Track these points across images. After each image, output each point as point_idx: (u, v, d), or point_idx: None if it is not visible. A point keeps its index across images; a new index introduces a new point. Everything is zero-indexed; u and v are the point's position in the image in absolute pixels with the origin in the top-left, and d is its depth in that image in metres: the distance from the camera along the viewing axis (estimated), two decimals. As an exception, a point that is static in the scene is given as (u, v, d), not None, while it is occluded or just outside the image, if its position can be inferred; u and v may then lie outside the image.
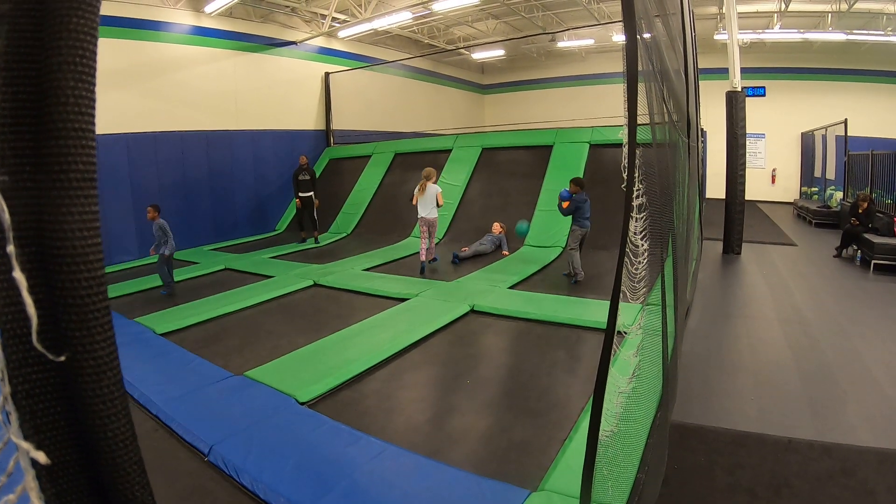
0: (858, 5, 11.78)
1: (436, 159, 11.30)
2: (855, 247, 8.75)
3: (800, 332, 5.39)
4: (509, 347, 5.03)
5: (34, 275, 0.44)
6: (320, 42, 13.45)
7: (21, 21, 0.44)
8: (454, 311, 5.67)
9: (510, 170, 10.63)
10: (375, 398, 3.94)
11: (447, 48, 17.24)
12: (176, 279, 7.09)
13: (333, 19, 12.84)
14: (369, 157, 12.61)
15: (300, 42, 12.91)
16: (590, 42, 16.89)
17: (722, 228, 9.70)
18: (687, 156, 5.44)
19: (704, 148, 13.29)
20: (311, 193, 10.40)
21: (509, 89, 21.85)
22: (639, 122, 1.87)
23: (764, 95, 12.82)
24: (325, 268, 7.92)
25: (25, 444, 0.44)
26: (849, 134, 12.99)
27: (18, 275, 0.42)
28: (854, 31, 12.80)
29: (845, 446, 3.26)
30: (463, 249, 8.57)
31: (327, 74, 13.68)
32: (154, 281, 7.34)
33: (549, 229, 8.94)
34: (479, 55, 18.30)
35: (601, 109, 9.36)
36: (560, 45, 17.25)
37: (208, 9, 10.40)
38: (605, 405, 1.91)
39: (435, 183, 7.93)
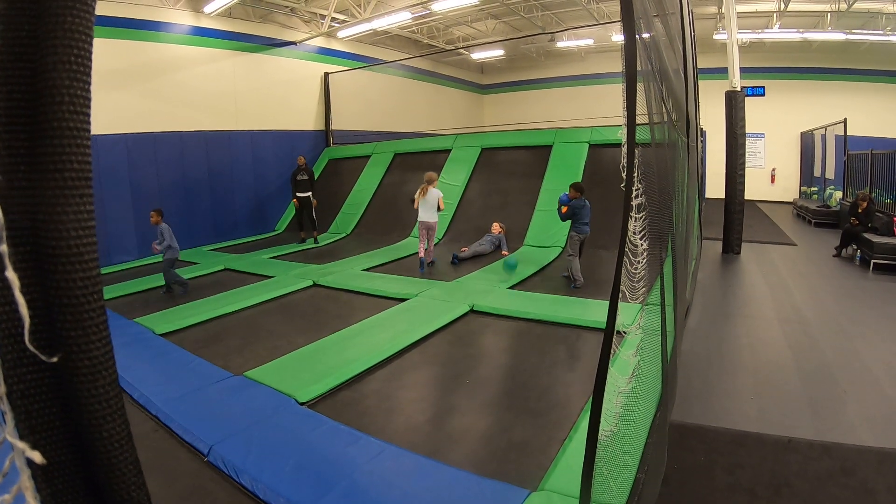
0: (858, 5, 11.78)
1: (435, 159, 11.31)
2: (854, 246, 8.75)
3: (799, 332, 5.39)
4: (509, 347, 5.03)
5: (28, 274, 0.44)
6: (320, 42, 13.44)
7: (16, 20, 0.44)
8: (454, 311, 5.66)
9: (509, 170, 10.62)
10: (375, 398, 3.94)
11: (446, 48, 17.24)
12: (165, 286, 7.02)
13: (333, 19, 12.83)
14: (369, 157, 12.61)
15: (299, 42, 12.91)
16: (589, 42, 16.90)
17: (721, 228, 9.70)
18: (686, 155, 5.44)
19: (704, 148, 13.30)
20: (310, 194, 10.39)
21: (509, 89, 21.85)
22: (638, 121, 1.87)
23: (763, 95, 12.80)
24: (325, 268, 7.92)
25: (21, 444, 0.44)
26: (848, 133, 12.99)
27: (11, 274, 0.42)
28: (853, 31, 12.80)
29: (845, 446, 3.26)
30: (462, 250, 8.57)
31: (327, 74, 13.68)
32: (153, 281, 7.34)
33: (549, 229, 8.94)
34: (478, 55, 18.30)
35: (600, 109, 9.37)
36: (559, 44, 17.26)
37: (207, 9, 10.40)
38: (604, 405, 1.91)
39: (436, 187, 7.93)
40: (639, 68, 1.86)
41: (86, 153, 0.46)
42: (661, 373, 3.06)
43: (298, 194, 10.40)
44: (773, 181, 17.60)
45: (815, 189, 15.56)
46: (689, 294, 6.00)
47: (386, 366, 4.48)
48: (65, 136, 0.44)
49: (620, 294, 1.89)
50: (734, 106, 9.29)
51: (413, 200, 7.89)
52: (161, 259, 6.95)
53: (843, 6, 11.95)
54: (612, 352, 1.85)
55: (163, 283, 6.90)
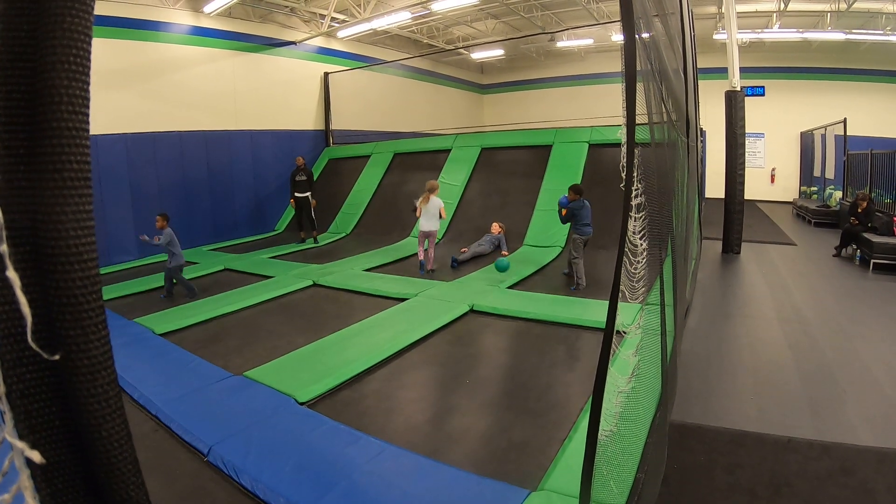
0: (857, 5, 11.78)
1: (435, 159, 11.32)
2: (854, 246, 8.75)
3: (799, 332, 5.39)
4: (509, 347, 5.03)
5: (28, 274, 0.44)
6: (319, 42, 13.44)
7: (15, 20, 0.44)
8: (453, 310, 5.67)
9: (509, 170, 10.62)
10: (375, 398, 3.94)
11: (446, 48, 17.24)
12: (165, 290, 7.01)
13: (332, 19, 12.83)
14: (368, 157, 12.61)
15: (299, 42, 12.90)
16: (589, 42, 16.90)
17: (721, 228, 9.69)
18: (686, 155, 5.44)
19: (704, 147, 13.30)
20: (308, 194, 10.39)
21: (508, 89, 21.85)
22: (637, 121, 1.87)
23: (763, 95, 12.81)
24: (325, 268, 7.92)
25: (20, 444, 0.44)
26: (848, 133, 12.99)
27: (12, 274, 0.42)
28: (853, 31, 12.80)
29: (845, 446, 3.26)
30: (462, 251, 8.58)
31: (326, 74, 13.68)
32: (153, 282, 7.34)
33: (549, 230, 8.93)
34: (478, 55, 18.29)
35: (600, 109, 9.38)
36: (559, 44, 17.26)
37: (207, 9, 10.39)
38: (604, 405, 1.91)
39: (437, 196, 7.92)
40: (638, 68, 1.86)
41: (85, 153, 0.46)
42: (661, 372, 3.06)
43: (297, 194, 10.40)
44: (772, 181, 17.61)
45: (815, 189, 15.56)
46: (688, 294, 6.00)
47: (386, 366, 4.48)
48: (64, 136, 0.44)
49: (620, 294, 1.89)
50: (734, 106, 9.29)
51: (416, 209, 7.88)
52: (160, 259, 6.95)
53: (843, 6, 11.95)
54: (611, 352, 1.85)
55: (163, 284, 6.88)
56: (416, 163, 11.70)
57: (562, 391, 3.97)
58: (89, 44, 0.47)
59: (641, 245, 2.31)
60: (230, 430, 3.36)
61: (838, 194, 13.10)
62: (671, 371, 3.40)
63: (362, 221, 11.36)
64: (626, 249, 1.99)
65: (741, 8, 11.67)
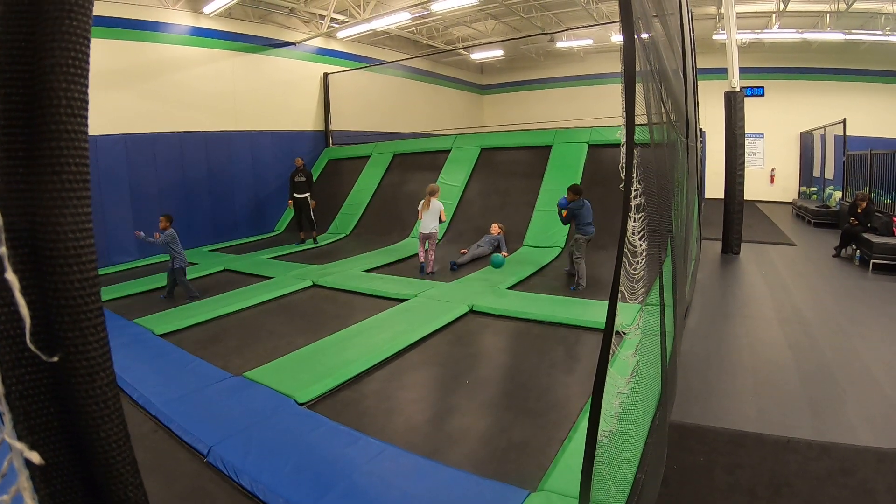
0: (857, 5, 11.79)
1: (434, 160, 11.32)
2: (854, 246, 8.75)
3: (799, 332, 5.39)
4: (508, 348, 5.03)
5: (27, 276, 0.44)
6: (319, 43, 13.45)
7: (14, 23, 0.44)
8: (453, 311, 5.67)
9: (509, 170, 10.62)
10: (374, 399, 3.94)
11: (446, 49, 17.25)
12: (166, 290, 7.01)
13: (332, 20, 12.84)
14: (368, 157, 12.61)
15: (299, 43, 12.91)
16: (588, 42, 16.91)
17: (721, 228, 9.70)
18: (685, 156, 5.45)
19: (703, 148, 13.30)
20: (307, 195, 10.40)
21: (508, 90, 21.86)
22: (637, 122, 1.87)
23: (763, 95, 12.85)
24: (325, 268, 7.92)
25: (19, 445, 0.44)
26: (847, 133, 12.99)
27: (11, 276, 0.42)
28: (852, 31, 12.80)
29: (844, 446, 3.26)
30: (462, 252, 8.58)
31: (326, 75, 13.68)
32: (153, 282, 7.34)
33: (548, 230, 8.94)
34: (477, 55, 18.30)
35: (600, 109, 9.38)
36: (559, 45, 17.26)
37: (207, 9, 10.40)
38: (603, 405, 1.91)
39: (438, 198, 8.01)
40: (638, 69, 1.86)
41: (83, 155, 0.46)
42: (661, 373, 3.06)
43: (296, 195, 10.42)
44: (772, 181, 17.62)
45: (815, 189, 15.57)
46: (688, 294, 6.00)
47: (385, 366, 4.48)
48: (62, 138, 0.44)
49: (619, 294, 1.89)
50: (733, 106, 9.30)
51: (419, 213, 8.01)
52: (159, 260, 6.93)
53: (843, 6, 11.96)
54: (611, 352, 1.85)
55: (164, 284, 6.87)
56: (416, 163, 11.70)
57: (561, 391, 3.97)
58: (88, 47, 0.47)
59: (641, 245, 2.31)
60: (230, 430, 3.36)
61: (838, 194, 13.10)
62: (671, 371, 3.40)
63: (362, 222, 11.36)
64: (626, 250, 1.99)
65: (741, 8, 11.68)
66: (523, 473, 2.92)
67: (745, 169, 9.67)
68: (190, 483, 2.93)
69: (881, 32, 12.77)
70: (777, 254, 9.49)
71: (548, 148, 10.30)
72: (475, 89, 22.05)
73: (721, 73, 10.26)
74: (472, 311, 5.82)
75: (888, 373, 4.35)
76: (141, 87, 9.50)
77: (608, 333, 1.83)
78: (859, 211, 8.76)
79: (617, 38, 14.95)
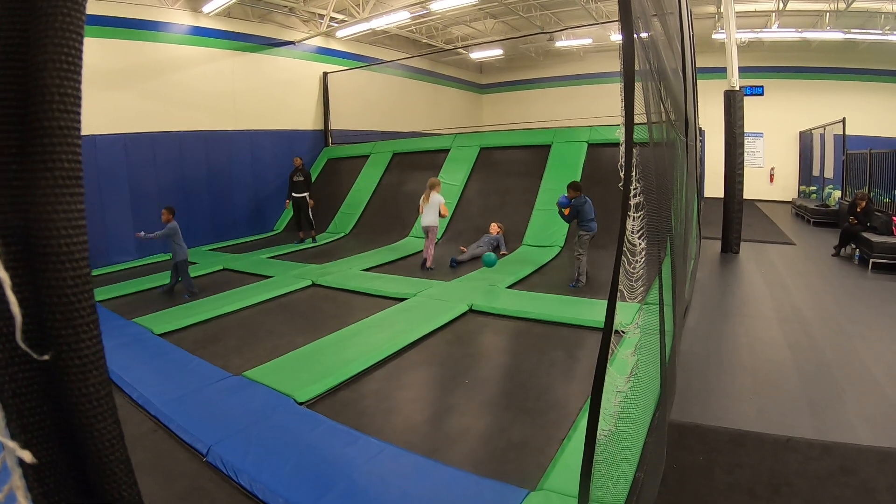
0: (856, 4, 11.78)
1: (434, 159, 11.32)
2: (853, 245, 8.75)
3: (798, 331, 5.39)
4: (508, 347, 5.03)
5: (19, 273, 0.44)
6: (318, 42, 13.44)
7: (7, 19, 0.44)
8: (453, 310, 5.66)
9: (508, 169, 10.62)
10: (374, 398, 3.94)
11: (445, 48, 17.23)
12: (168, 284, 7.03)
13: (331, 19, 12.83)
14: (367, 156, 12.60)
15: (298, 42, 12.90)
16: (588, 41, 16.90)
17: (720, 227, 9.70)
18: (685, 155, 5.44)
19: (703, 147, 13.30)
20: (306, 194, 10.40)
21: (507, 89, 21.85)
22: (636, 121, 1.87)
23: (762, 94, 12.82)
24: (324, 268, 7.92)
25: (11, 444, 0.43)
26: (847, 133, 13.00)
27: (3, 273, 0.41)
28: (852, 30, 12.80)
29: (844, 445, 3.26)
30: (461, 249, 8.59)
31: (325, 74, 13.67)
32: (152, 282, 7.34)
33: (548, 229, 8.94)
34: (477, 55, 18.28)
35: (599, 109, 9.38)
36: (558, 44, 17.25)
37: (206, 9, 10.38)
38: (603, 404, 1.90)
39: (439, 192, 8.14)
40: (637, 68, 1.86)
41: (76, 152, 0.46)
42: (660, 372, 3.06)
43: (294, 195, 10.44)
44: (771, 180, 17.62)
45: (814, 188, 15.57)
46: (687, 293, 6.00)
47: (385, 366, 4.48)
48: (55, 134, 0.44)
49: (619, 293, 1.89)
50: (733, 105, 9.30)
51: (419, 207, 8.17)
52: (159, 259, 6.92)
53: (842, 5, 11.96)
54: (610, 351, 1.85)
55: (167, 281, 6.87)
56: (415, 162, 11.69)
57: (560, 391, 3.97)
58: (81, 43, 0.46)
59: (640, 244, 2.31)
60: (229, 430, 3.36)
61: (837, 194, 13.10)
62: (670, 370, 3.40)
63: (361, 221, 11.36)
64: (625, 249, 1.99)
65: (740, 7, 11.67)
66: (523, 473, 2.92)
67: (745, 168, 9.68)
68: (189, 482, 2.92)
69: (880, 31, 12.76)
70: (776, 253, 9.49)
71: (547, 147, 10.30)
72: (474, 88, 22.04)
73: (720, 72, 10.26)
74: (471, 311, 5.82)
75: (888, 372, 4.35)
76: (140, 87, 9.48)
77: (607, 332, 1.83)
78: (859, 210, 8.75)
79: (616, 37, 14.94)
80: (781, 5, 12.39)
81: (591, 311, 5.42)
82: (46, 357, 0.45)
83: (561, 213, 6.67)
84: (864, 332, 5.35)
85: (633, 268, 2.30)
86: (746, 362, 4.67)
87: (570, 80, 19.76)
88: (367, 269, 7.88)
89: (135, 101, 9.35)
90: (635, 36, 1.90)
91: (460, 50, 17.25)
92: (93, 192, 8.55)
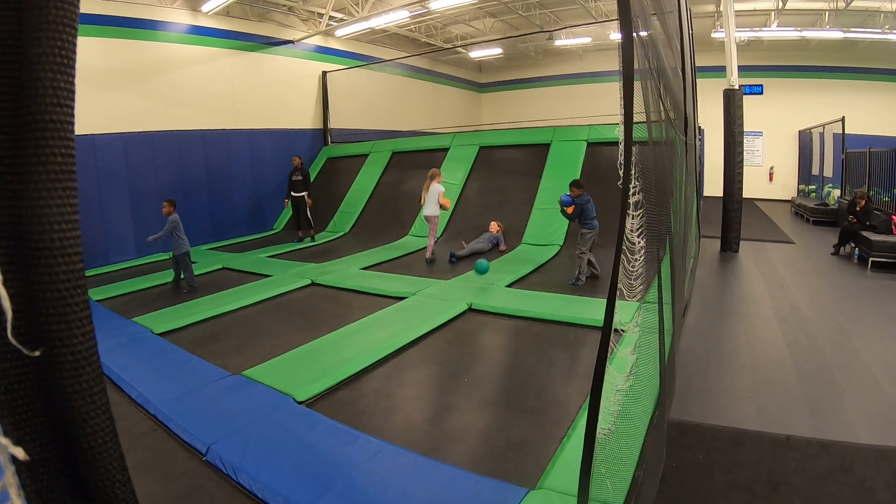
0: (856, 3, 11.78)
1: (433, 158, 11.31)
2: (853, 244, 8.75)
3: (798, 330, 5.39)
4: (507, 346, 5.03)
5: (11, 268, 0.44)
6: (317, 41, 13.42)
7: (0, 13, 0.43)
8: (452, 309, 5.66)
9: (508, 168, 10.62)
10: (373, 397, 3.94)
11: (444, 47, 17.22)
12: (173, 279, 7.07)
13: (331, 18, 12.82)
14: (367, 155, 12.59)
15: (297, 41, 12.88)
16: (587, 40, 16.89)
17: (720, 226, 9.70)
18: (684, 153, 5.45)
19: (702, 146, 13.30)
20: (304, 193, 10.41)
21: (507, 88, 21.84)
22: (635, 119, 1.86)
23: (761, 93, 12.85)
24: (323, 267, 7.91)
25: (4, 440, 0.43)
26: (846, 132, 13.00)
27: (-5, 269, 0.41)
28: (851, 29, 12.80)
29: (843, 444, 3.26)
30: (462, 245, 8.61)
31: (324, 73, 13.66)
32: (151, 281, 7.34)
33: (547, 228, 8.94)
34: (476, 54, 18.27)
35: (599, 107, 9.38)
36: (557, 43, 17.24)
37: (205, 8, 10.37)
38: (602, 403, 1.91)
39: (440, 183, 8.30)
40: (636, 66, 1.86)
41: (69, 146, 0.45)
42: (660, 371, 3.06)
43: (293, 194, 10.45)
44: (771, 179, 17.62)
45: (814, 187, 15.57)
46: (687, 292, 6.00)
47: (384, 364, 4.48)
48: (48, 128, 0.43)
49: (618, 292, 1.88)
50: (732, 104, 9.29)
51: (420, 198, 8.37)
52: (158, 259, 6.91)
53: (842, 4, 11.95)
54: (609, 350, 1.85)
55: (163, 282, 6.88)
56: (415, 161, 11.68)
57: (560, 390, 3.97)
58: (75, 36, 0.46)
59: (639, 243, 2.31)
60: (228, 429, 3.35)
61: (836, 192, 13.11)
62: (669, 369, 3.40)
63: (360, 220, 11.36)
64: (624, 247, 1.99)
65: (739, 6, 11.66)
66: (522, 471, 2.91)
67: (744, 167, 9.67)
68: (188, 482, 2.92)
69: (880, 30, 12.76)
70: (776, 252, 9.49)
71: (546, 146, 10.30)
72: (474, 87, 22.03)
73: (720, 71, 10.25)
74: (470, 310, 5.82)
75: (887, 371, 4.35)
76: (139, 86, 9.47)
77: (607, 331, 1.83)
78: (858, 209, 8.75)
79: (615, 36, 14.93)
80: (781, 4, 12.39)
81: (591, 309, 5.42)
82: (38, 353, 0.45)
83: (563, 211, 6.63)
84: (863, 330, 5.35)
85: (633, 266, 2.30)
86: (746, 361, 4.67)
87: (570, 78, 19.75)
88: (366, 268, 7.87)
89: (134, 101, 9.33)
90: (634, 35, 1.90)
91: (459, 49, 17.24)
92: (92, 191, 8.55)
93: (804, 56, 16.06)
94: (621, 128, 1.85)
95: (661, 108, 3.22)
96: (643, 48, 2.30)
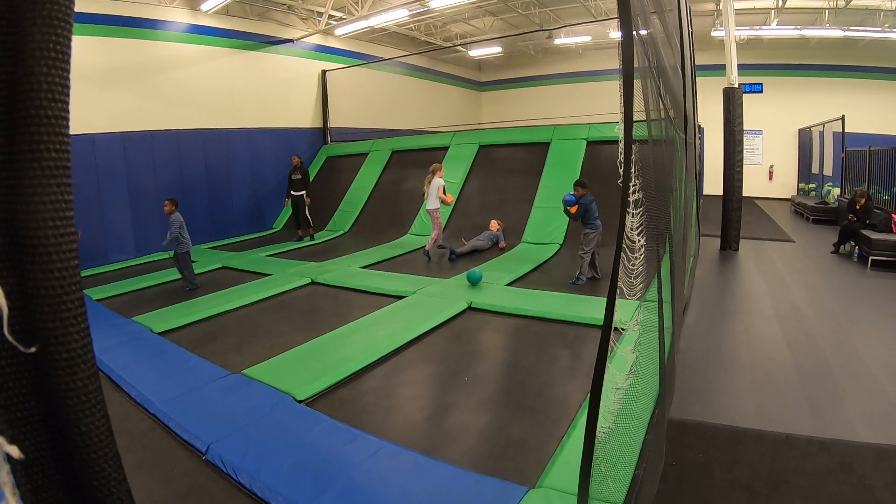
0: (855, 2, 11.77)
1: (433, 157, 11.29)
2: (852, 243, 8.75)
3: (797, 329, 5.39)
4: (507, 344, 5.03)
5: (6, 265, 0.43)
6: (317, 40, 13.41)
7: (-5, 7, 0.43)
8: (452, 308, 5.66)
9: (507, 167, 10.61)
10: (373, 396, 3.94)
11: (444, 45, 17.20)
12: (172, 279, 7.07)
13: (330, 17, 12.80)
14: (366, 154, 12.59)
15: (297, 40, 12.87)
16: (587, 39, 16.86)
17: (719, 225, 9.70)
18: (684, 152, 5.44)
19: (702, 144, 13.30)
20: (303, 192, 10.41)
21: (506, 86, 21.82)
22: (635, 118, 1.86)
23: (761, 92, 12.83)
24: (323, 266, 7.91)
25: (-1, 439, 0.43)
26: (846, 130, 12.99)
27: (-11, 265, 0.41)
28: (851, 28, 12.78)
29: (843, 442, 3.26)
30: (462, 242, 8.61)
31: (324, 72, 13.65)
32: (151, 280, 7.34)
33: (547, 226, 8.94)
34: (476, 52, 18.26)
35: (598, 106, 9.37)
36: (557, 41, 17.22)
37: (205, 7, 10.36)
38: (602, 402, 1.90)
39: (441, 178, 8.44)
40: (636, 65, 1.86)
41: (64, 142, 0.45)
42: (659, 369, 3.06)
43: (292, 193, 10.44)
44: (771, 178, 17.61)
45: (813, 186, 15.57)
46: (687, 291, 6.00)
47: (384, 363, 4.47)
48: (43, 123, 0.43)
49: (618, 290, 1.88)
50: (732, 103, 9.28)
51: (424, 193, 8.56)
52: (157, 258, 6.89)
53: (841, 3, 11.94)
54: (609, 348, 1.85)
55: (163, 281, 6.87)
56: (414, 160, 11.67)
57: (560, 388, 3.97)
58: (70, 31, 0.46)
59: (639, 241, 2.31)
60: (228, 428, 3.35)
61: (836, 191, 13.10)
62: (669, 368, 3.40)
63: (360, 219, 11.35)
64: (624, 245, 1.99)
65: (739, 5, 11.66)
66: (522, 470, 2.91)
67: (744, 165, 9.67)
68: (189, 481, 2.92)
69: (879, 29, 12.75)
70: (776, 250, 9.49)
71: (546, 144, 10.29)
72: (473, 86, 22.02)
73: (719, 69, 10.24)
74: (470, 308, 5.82)
75: (886, 369, 4.35)
76: (139, 85, 9.46)
77: (607, 329, 1.83)
78: (858, 207, 8.75)
79: (615, 34, 14.92)
80: (780, 2, 12.38)
81: (591, 308, 5.41)
82: (33, 350, 0.44)
83: (567, 211, 6.60)
84: (863, 329, 5.35)
85: (633, 264, 2.30)
86: (745, 360, 4.67)
87: (569, 77, 19.74)
88: (365, 267, 7.87)
89: (133, 100, 9.33)
90: (634, 33, 1.89)
91: (459, 48, 17.23)
92: (92, 190, 8.55)
93: (804, 54, 16.04)
94: (621, 126, 1.85)
95: (661, 106, 3.22)
96: (643, 47, 2.30)
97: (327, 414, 3.55)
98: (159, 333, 5.23)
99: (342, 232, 11.15)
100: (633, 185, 2.02)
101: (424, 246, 8.35)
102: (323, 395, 3.91)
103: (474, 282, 6.54)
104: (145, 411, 3.72)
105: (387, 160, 12.17)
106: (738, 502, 2.77)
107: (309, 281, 7.12)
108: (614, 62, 1.89)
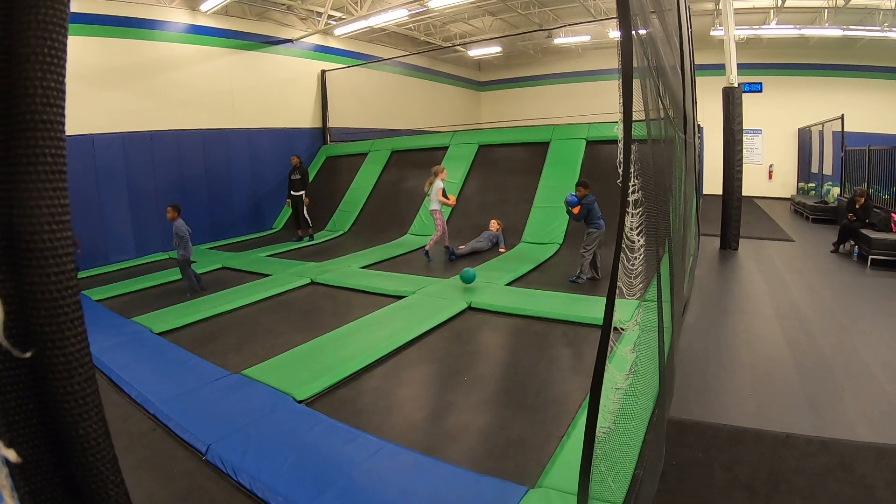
0: (855, 1, 11.77)
1: (432, 156, 11.30)
2: (852, 242, 8.75)
3: (797, 328, 5.39)
4: (507, 344, 5.03)
5: (2, 269, 0.43)
6: (316, 40, 13.41)
7: (-10, 11, 0.43)
8: (451, 308, 5.66)
9: (507, 167, 10.61)
10: (373, 396, 3.94)
11: (443, 45, 17.20)
12: (171, 279, 7.06)
13: (329, 17, 12.80)
14: (366, 154, 12.58)
15: (296, 40, 12.87)
16: (586, 38, 16.85)
17: (719, 224, 9.70)
18: (684, 152, 5.44)
19: (701, 144, 13.30)
20: (302, 193, 10.42)
21: (506, 86, 21.82)
22: (634, 118, 1.86)
23: (761, 91, 12.79)
24: (322, 266, 7.91)
25: (-4, 443, 0.43)
26: (845, 129, 12.99)
27: (-15, 269, 0.41)
28: (850, 27, 12.78)
29: (843, 441, 3.26)
30: (460, 247, 8.58)
31: (323, 72, 13.65)
32: (151, 280, 7.34)
33: (547, 226, 8.93)
34: (475, 52, 18.26)
35: (598, 106, 9.36)
36: (556, 41, 17.22)
37: (204, 7, 10.36)
38: (602, 401, 1.91)
39: (442, 179, 8.46)
40: (635, 65, 1.85)
41: (60, 146, 0.45)
42: (659, 369, 3.06)
43: (292, 193, 10.46)
44: (770, 177, 17.61)
45: (813, 185, 15.57)
46: (686, 290, 6.00)
47: (384, 363, 4.48)
48: (38, 128, 0.43)
49: (617, 290, 1.88)
50: (731, 102, 9.28)
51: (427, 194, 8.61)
52: (157, 258, 6.88)
53: (841, 2, 11.94)
54: (609, 348, 1.85)
55: (162, 281, 6.86)
56: (414, 160, 11.68)
57: (560, 388, 3.97)
58: (65, 35, 0.45)
59: (639, 241, 2.31)
60: (228, 428, 3.35)
61: (836, 190, 13.10)
62: (669, 367, 3.40)
63: (360, 219, 11.35)
64: (624, 245, 1.99)
65: (738, 4, 11.65)
66: (522, 470, 2.91)
67: (744, 165, 9.67)
68: (189, 481, 2.92)
69: (879, 28, 12.75)
70: (775, 250, 9.49)
71: (546, 144, 10.29)
72: (473, 86, 22.02)
73: (719, 69, 10.24)
74: (470, 308, 5.82)
75: (886, 368, 4.36)
76: (138, 86, 9.46)
77: (606, 329, 1.83)
78: (857, 207, 8.75)
79: (614, 34, 14.92)
80: (780, 2, 12.38)
81: (590, 307, 5.42)
82: (30, 354, 0.44)
83: (570, 211, 6.58)
84: (862, 328, 5.35)
85: (632, 264, 2.30)
86: (745, 359, 4.67)
87: (569, 77, 19.74)
88: (365, 267, 7.87)
89: (133, 100, 9.32)
90: (633, 33, 1.89)
91: (458, 47, 17.22)
92: (91, 190, 8.55)
93: (803, 54, 16.04)
94: (620, 126, 1.84)
95: (661, 106, 3.22)
96: (642, 46, 2.30)
97: (327, 414, 3.55)
98: (159, 334, 5.23)
99: (342, 232, 11.15)
100: (633, 185, 2.02)
101: (424, 246, 8.35)
102: (323, 396, 3.92)
103: (468, 281, 6.50)
104: (145, 412, 3.72)
105: (386, 160, 12.17)
106: (738, 502, 2.78)
107: (309, 281, 7.12)
108: (614, 62, 1.89)
